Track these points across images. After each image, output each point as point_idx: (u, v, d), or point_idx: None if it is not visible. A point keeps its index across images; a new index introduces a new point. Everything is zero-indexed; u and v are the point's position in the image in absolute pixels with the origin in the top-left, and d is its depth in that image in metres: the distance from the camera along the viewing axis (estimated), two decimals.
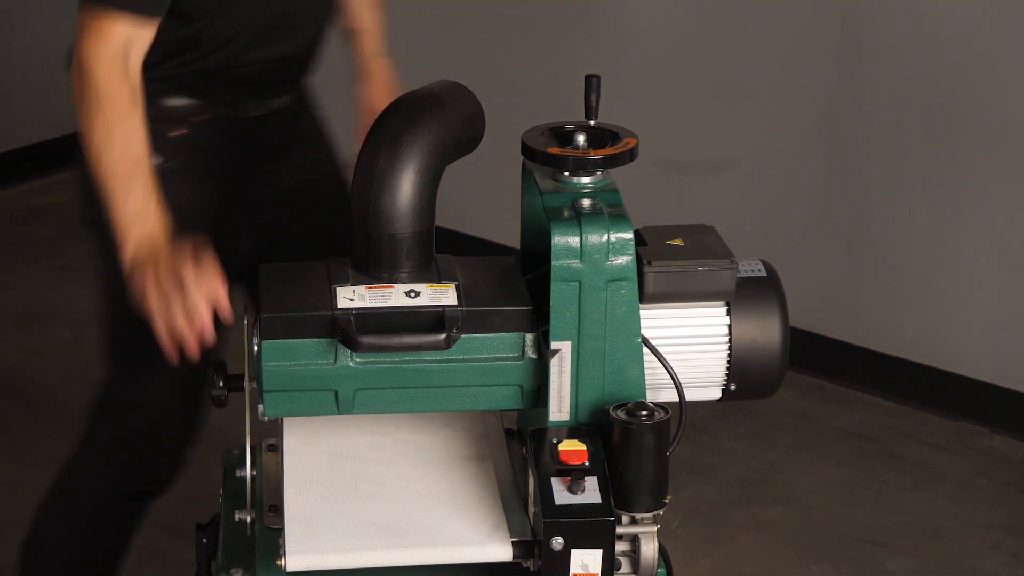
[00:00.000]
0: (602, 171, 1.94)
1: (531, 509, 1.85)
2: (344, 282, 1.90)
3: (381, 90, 2.54)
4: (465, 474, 1.94)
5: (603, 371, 1.86)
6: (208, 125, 2.32)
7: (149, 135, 2.14)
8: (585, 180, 1.93)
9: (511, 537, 1.83)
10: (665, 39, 4.14)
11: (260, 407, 1.89)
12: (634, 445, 1.79)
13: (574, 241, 1.83)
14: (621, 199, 1.90)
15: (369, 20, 2.56)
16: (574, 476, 1.78)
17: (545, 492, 1.78)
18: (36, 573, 2.59)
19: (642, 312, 1.87)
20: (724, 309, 1.93)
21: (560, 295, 1.84)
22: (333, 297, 1.87)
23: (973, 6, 3.71)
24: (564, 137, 1.97)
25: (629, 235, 1.84)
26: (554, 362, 1.86)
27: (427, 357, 1.86)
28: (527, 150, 1.95)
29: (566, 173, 1.93)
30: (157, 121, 2.23)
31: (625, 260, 1.84)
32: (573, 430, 1.87)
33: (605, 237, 1.83)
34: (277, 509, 1.93)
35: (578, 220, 1.84)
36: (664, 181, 4.21)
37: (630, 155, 1.94)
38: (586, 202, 1.88)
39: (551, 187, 1.93)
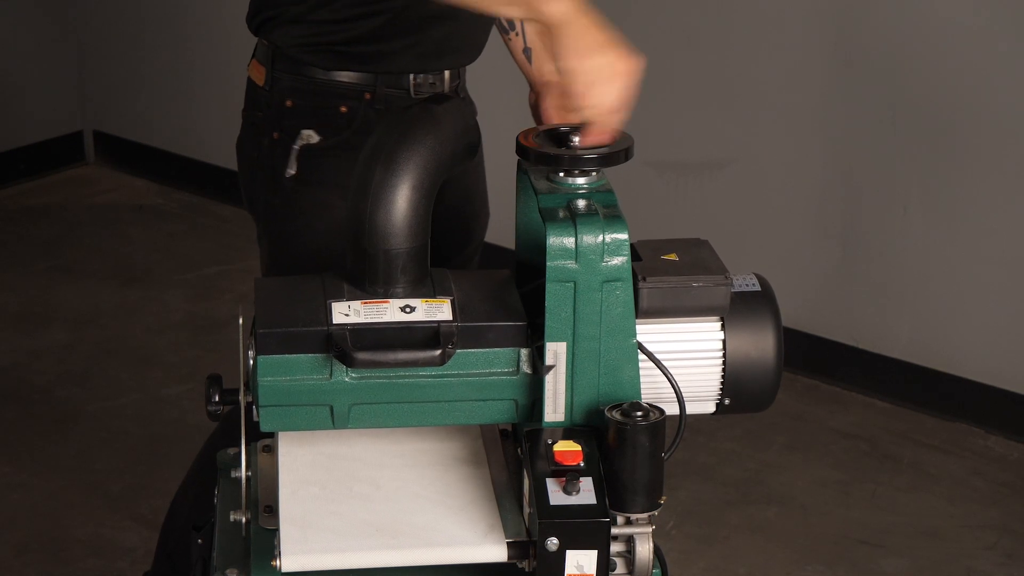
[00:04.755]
0: (597, 171, 1.93)
1: (526, 510, 1.85)
2: (339, 297, 1.89)
3: (561, 107, 2.61)
4: (460, 475, 1.94)
5: (598, 372, 1.86)
6: (372, 104, 2.44)
7: (318, 110, 2.39)
8: (580, 181, 1.93)
9: (506, 538, 1.83)
10: (661, 39, 4.13)
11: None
12: (629, 446, 1.78)
13: (569, 242, 1.83)
14: (616, 199, 1.90)
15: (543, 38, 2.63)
16: (569, 477, 1.78)
17: (540, 493, 1.77)
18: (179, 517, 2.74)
19: (637, 327, 1.87)
20: (718, 324, 1.93)
21: (555, 296, 1.84)
22: (328, 312, 1.87)
23: (967, 8, 3.71)
24: (559, 138, 1.97)
25: (624, 236, 1.84)
26: (549, 362, 1.85)
27: (422, 372, 1.86)
28: (522, 150, 1.95)
29: (561, 173, 1.93)
30: (327, 96, 2.43)
31: (620, 261, 1.83)
32: (568, 431, 1.86)
33: (600, 238, 1.83)
34: (272, 510, 1.93)
35: (573, 221, 1.83)
36: (660, 181, 4.21)
37: (625, 155, 1.94)
38: (581, 203, 1.87)
39: (546, 188, 1.92)
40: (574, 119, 2.01)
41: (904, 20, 3.79)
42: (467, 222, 2.65)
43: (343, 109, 2.45)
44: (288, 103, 2.46)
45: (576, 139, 1.94)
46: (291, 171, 2.45)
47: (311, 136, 2.45)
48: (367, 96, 2.45)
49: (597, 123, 1.96)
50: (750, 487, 3.64)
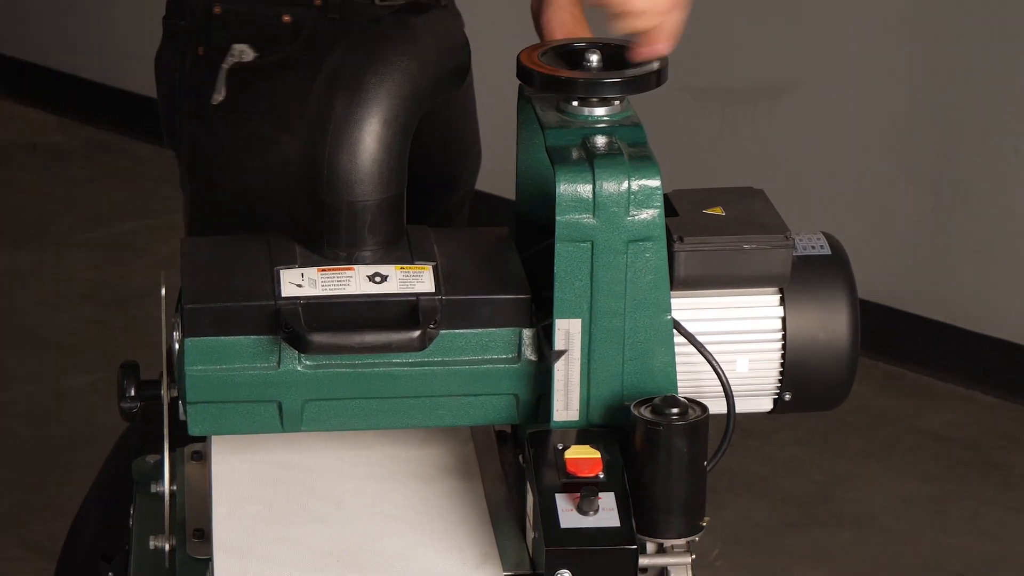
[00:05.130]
0: (621, 100, 1.94)
1: (530, 534, 1.86)
2: (290, 263, 1.90)
3: (570, 16, 2.61)
4: (445, 490, 1.95)
5: (622, 357, 1.87)
6: (324, 12, 2.46)
7: (255, 19, 2.42)
8: (599, 112, 1.93)
9: (504, 570, 1.84)
10: None
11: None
12: (662, 452, 1.79)
13: (585, 190, 1.83)
14: (645, 136, 1.90)
15: None
16: (585, 492, 1.78)
17: (548, 512, 1.78)
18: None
19: (672, 300, 1.87)
20: (777, 298, 1.94)
21: (567, 260, 1.84)
22: (276, 283, 1.88)
23: None
24: (573, 57, 1.97)
25: (656, 183, 1.84)
26: (559, 345, 1.86)
27: (396, 360, 1.87)
28: (524, 73, 1.95)
29: (574, 102, 1.93)
30: (266, 1, 2.45)
31: (650, 215, 1.84)
32: (584, 433, 1.87)
33: (625, 185, 1.83)
34: (203, 535, 1.93)
35: (590, 163, 1.84)
36: (701, 113, 4.21)
37: (657, 79, 1.94)
38: (600, 140, 1.88)
39: (556, 121, 1.93)
40: (616, 28, 2.01)
41: None
42: (453, 165, 2.65)
43: (286, 19, 2.45)
44: (216, 9, 2.46)
45: (594, 58, 1.94)
46: (219, 96, 2.46)
47: (244, 52, 2.45)
48: (317, 3, 2.45)
49: (650, 28, 1.97)
50: (816, 505, 3.66)
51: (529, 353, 1.89)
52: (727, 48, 4.16)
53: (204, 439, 2.05)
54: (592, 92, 1.92)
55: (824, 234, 2.01)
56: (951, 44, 3.92)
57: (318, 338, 1.83)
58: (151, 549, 1.96)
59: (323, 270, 1.90)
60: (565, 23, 2.66)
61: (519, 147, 2.03)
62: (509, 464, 2.01)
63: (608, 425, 1.88)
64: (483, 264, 1.93)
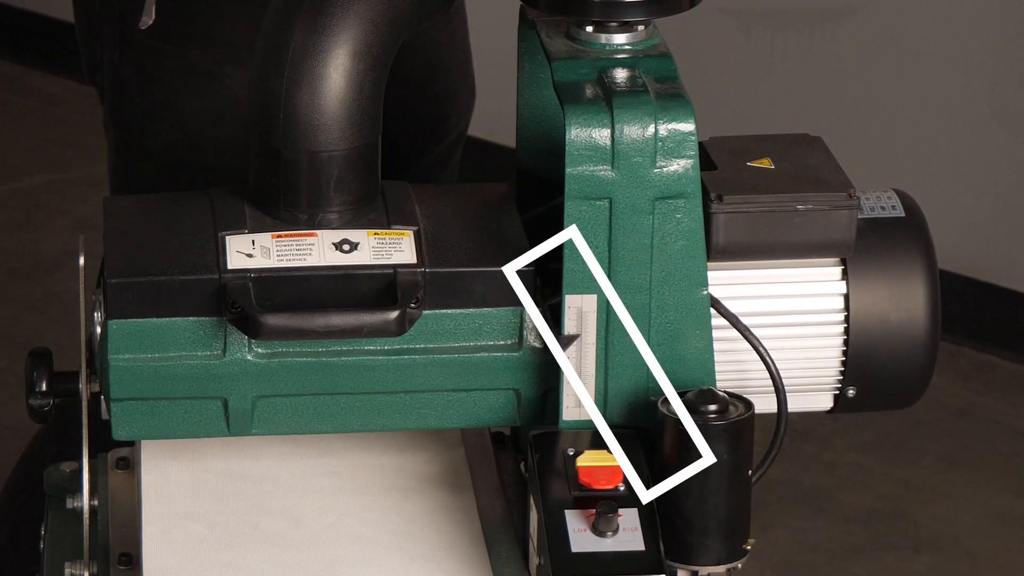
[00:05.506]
0: (647, 24, 1.94)
1: (533, 560, 1.87)
2: (238, 227, 1.91)
3: None
4: (429, 505, 1.96)
5: (648, 342, 1.88)
6: None
7: None
8: (619, 39, 1.93)
9: None
10: None
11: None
12: (697, 459, 1.80)
13: (601, 135, 1.84)
14: (676, 69, 1.90)
15: None
16: (602, 508, 1.79)
17: (556, 533, 1.79)
18: None
19: (709, 273, 1.88)
20: (838, 270, 1.95)
21: (579, 222, 1.85)
22: (220, 251, 1.88)
23: None
24: None
25: (689, 126, 1.84)
26: (570, 328, 1.87)
27: (369, 347, 1.88)
28: None
29: (589, 27, 1.94)
30: None
31: (682, 166, 1.84)
32: (600, 435, 1.88)
33: (650, 129, 1.84)
34: (131, 560, 1.94)
35: (607, 102, 1.84)
36: (745, 40, 4.21)
37: None
38: (621, 73, 1.88)
39: (566, 51, 1.93)
40: None
41: None
42: (439, 106, 2.65)
43: None
44: None
45: None
46: (147, 19, 2.45)
47: None
48: None
49: None
50: (887, 523, 3.67)
51: (532, 338, 1.90)
52: None
53: (132, 443, 2.06)
54: (611, 13, 1.92)
55: (896, 192, 2.02)
56: None
57: (272, 320, 1.83)
58: None
59: (279, 236, 1.90)
60: None
61: (520, 83, 2.03)
62: (508, 474, 2.02)
63: (630, 426, 1.89)
64: (476, 229, 1.93)
